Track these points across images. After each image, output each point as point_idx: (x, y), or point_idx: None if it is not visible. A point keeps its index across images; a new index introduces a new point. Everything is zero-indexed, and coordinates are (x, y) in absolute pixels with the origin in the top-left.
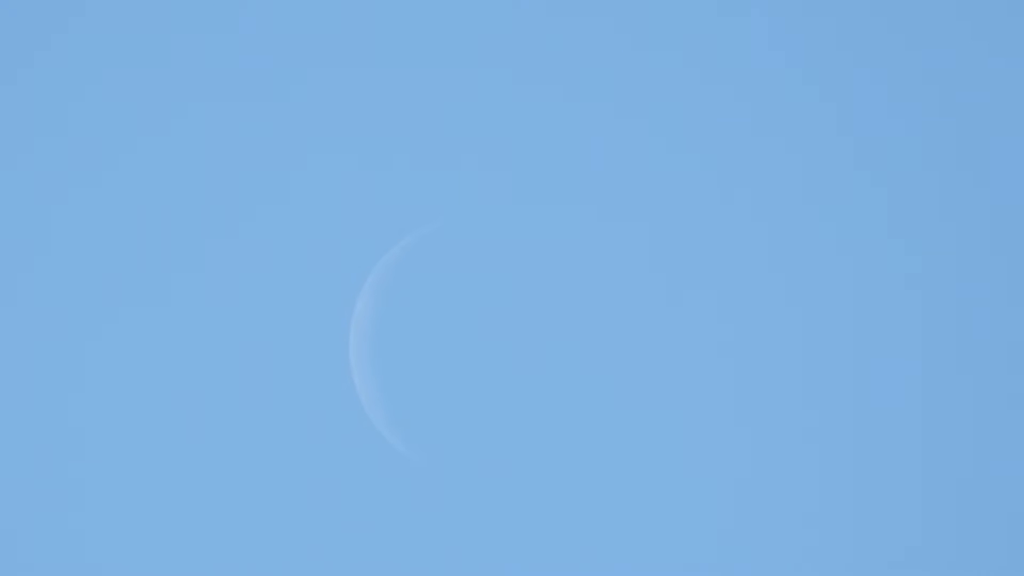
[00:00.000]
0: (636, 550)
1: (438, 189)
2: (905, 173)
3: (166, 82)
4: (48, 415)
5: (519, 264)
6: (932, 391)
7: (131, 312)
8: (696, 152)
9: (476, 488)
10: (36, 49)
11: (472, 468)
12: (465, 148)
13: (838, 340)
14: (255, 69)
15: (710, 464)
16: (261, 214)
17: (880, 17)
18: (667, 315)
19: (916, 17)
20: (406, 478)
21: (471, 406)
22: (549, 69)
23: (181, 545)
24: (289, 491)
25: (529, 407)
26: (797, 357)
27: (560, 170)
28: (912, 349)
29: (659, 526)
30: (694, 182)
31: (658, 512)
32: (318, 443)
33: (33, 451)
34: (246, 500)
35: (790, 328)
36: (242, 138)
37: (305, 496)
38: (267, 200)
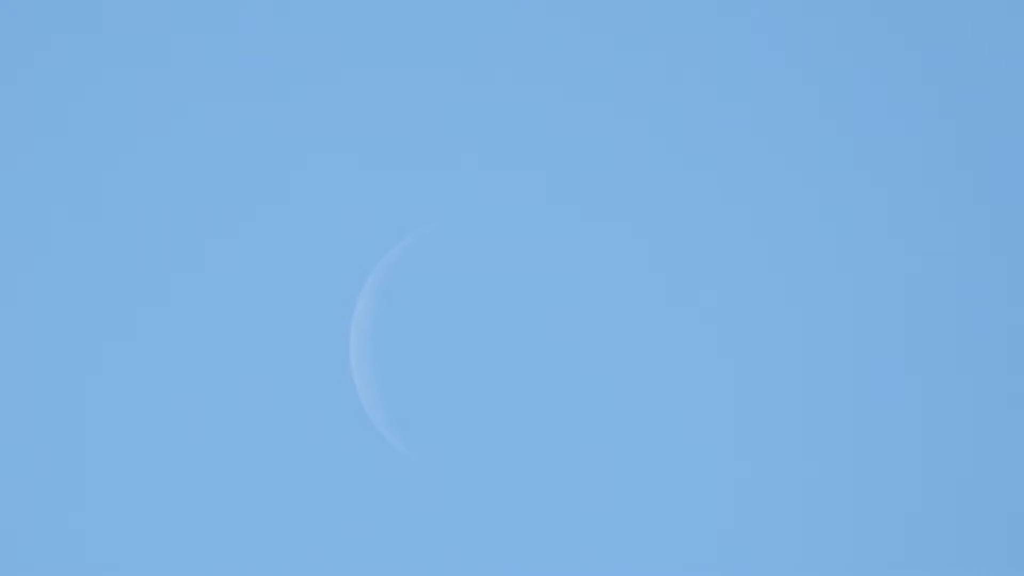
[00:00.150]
0: (636, 550)
1: (438, 189)
2: (905, 173)
3: (166, 82)
4: (48, 415)
5: (519, 264)
6: (932, 391)
7: (131, 312)
8: (696, 152)
9: (476, 488)
10: (36, 49)
11: (472, 468)
12: (465, 148)
13: (838, 340)
14: (255, 69)
15: (710, 464)
16: (261, 214)
17: (880, 17)
18: (666, 315)
19: (916, 17)
20: (406, 478)
21: (471, 406)
22: (549, 69)
23: (181, 544)
24: (289, 491)
25: (529, 407)
26: (796, 356)
27: (560, 170)
28: (912, 349)
29: (659, 527)
30: (694, 182)
31: (658, 513)
32: (318, 443)
33: (33, 451)
34: (246, 500)
35: (789, 328)
36: (242, 138)
37: (305, 496)
38: (267, 200)
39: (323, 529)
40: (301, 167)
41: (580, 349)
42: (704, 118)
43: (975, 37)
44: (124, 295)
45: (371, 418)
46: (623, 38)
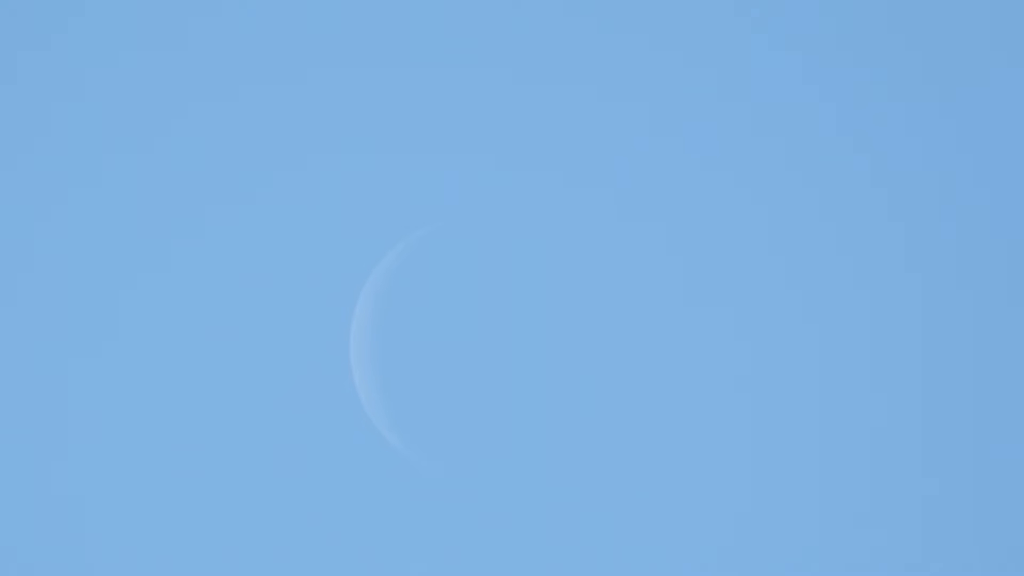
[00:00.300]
0: (637, 551)
1: (438, 189)
2: (905, 173)
3: (166, 81)
4: (47, 415)
5: (519, 265)
6: (933, 391)
7: (130, 312)
8: (696, 153)
9: (476, 488)
10: (36, 49)
11: (472, 468)
12: (465, 148)
13: (837, 339)
14: (255, 68)
15: (715, 466)
16: (261, 214)
17: (880, 17)
18: (666, 315)
19: (916, 17)
20: (406, 478)
21: (471, 406)
22: (549, 69)
23: (180, 545)
24: (289, 491)
25: (529, 408)
26: (797, 355)
27: (560, 171)
28: (911, 349)
29: (660, 527)
30: (693, 182)
31: (660, 514)
32: (318, 443)
33: (32, 451)
34: (246, 500)
35: (788, 327)
36: (241, 138)
37: (305, 496)
38: (267, 200)
39: (323, 529)
40: (301, 167)
41: (580, 349)
42: (704, 119)
43: (975, 37)
44: (123, 295)
45: (371, 418)
46: (624, 38)
